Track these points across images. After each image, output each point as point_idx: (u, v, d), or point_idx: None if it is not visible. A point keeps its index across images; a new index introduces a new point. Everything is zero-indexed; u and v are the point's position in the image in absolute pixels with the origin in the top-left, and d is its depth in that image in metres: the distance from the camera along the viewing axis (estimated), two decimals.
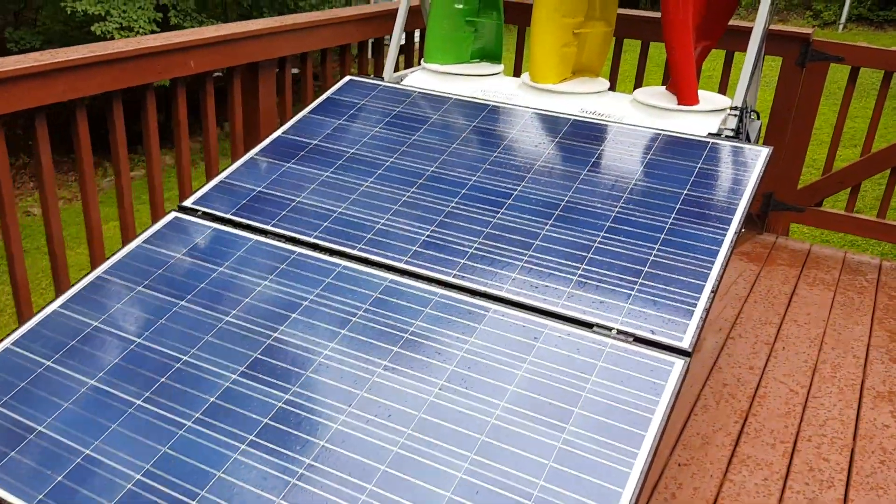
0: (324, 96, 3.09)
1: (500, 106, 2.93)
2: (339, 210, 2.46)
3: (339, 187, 2.57)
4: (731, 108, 2.73)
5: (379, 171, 2.62)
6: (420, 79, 3.29)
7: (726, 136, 2.65)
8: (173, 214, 2.50)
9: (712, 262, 2.11)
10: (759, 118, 2.99)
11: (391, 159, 2.67)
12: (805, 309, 3.06)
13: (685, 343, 1.90)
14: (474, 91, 3.18)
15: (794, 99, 3.50)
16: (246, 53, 2.78)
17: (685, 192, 2.40)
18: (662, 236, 2.24)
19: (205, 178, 3.25)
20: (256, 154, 2.75)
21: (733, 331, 2.88)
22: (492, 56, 3.44)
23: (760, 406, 2.46)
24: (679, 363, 1.85)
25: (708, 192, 2.38)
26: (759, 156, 2.52)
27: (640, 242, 2.22)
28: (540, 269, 2.16)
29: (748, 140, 2.77)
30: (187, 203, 2.54)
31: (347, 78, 3.20)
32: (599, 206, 2.37)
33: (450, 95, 3.02)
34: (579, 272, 2.14)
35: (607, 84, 3.17)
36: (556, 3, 3.03)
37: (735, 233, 2.22)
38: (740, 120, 2.70)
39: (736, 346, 2.77)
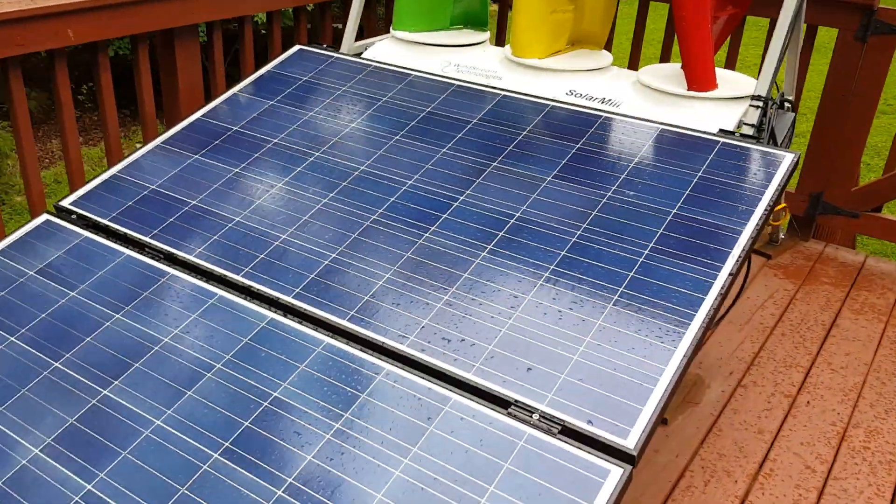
0: (263, 70, 2.60)
1: (467, 86, 2.38)
2: (238, 219, 1.99)
3: (247, 188, 2.09)
4: (754, 98, 2.11)
5: (300, 168, 2.12)
6: (385, 50, 2.76)
7: (742, 135, 2.04)
8: (45, 217, 2.08)
9: (686, 324, 1.55)
10: (794, 109, 2.35)
11: (319, 152, 2.17)
12: (845, 347, 2.44)
13: (629, 442, 1.36)
14: (446, 66, 2.63)
15: (851, 80, 2.82)
16: (151, 19, 2.31)
17: (674, 211, 1.82)
18: (630, 275, 1.68)
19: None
20: (163, 142, 2.30)
21: (748, 375, 2.30)
22: (476, 21, 2.87)
23: (763, 490, 1.90)
24: (615, 473, 1.32)
25: (704, 214, 1.80)
26: (780, 164, 1.91)
27: (597, 283, 1.67)
28: (460, 314, 1.65)
29: (773, 140, 2.16)
30: (64, 203, 2.11)
31: (296, 48, 2.69)
32: (556, 227, 1.83)
33: (410, 71, 2.48)
34: (509, 322, 1.61)
35: (610, 58, 2.57)
36: None
37: (730, 275, 1.65)
38: (764, 113, 2.08)
39: (747, 397, 2.20)
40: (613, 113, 2.17)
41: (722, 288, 1.61)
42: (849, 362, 2.36)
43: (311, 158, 2.15)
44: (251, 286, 1.78)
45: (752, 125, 2.08)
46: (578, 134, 2.11)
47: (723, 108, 2.21)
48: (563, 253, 1.76)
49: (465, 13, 2.85)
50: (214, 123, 2.35)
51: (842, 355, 2.39)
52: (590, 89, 2.41)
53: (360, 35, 3.23)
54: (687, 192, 1.87)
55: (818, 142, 2.95)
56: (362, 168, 2.10)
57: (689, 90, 2.25)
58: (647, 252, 1.73)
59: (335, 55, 2.62)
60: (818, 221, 3.10)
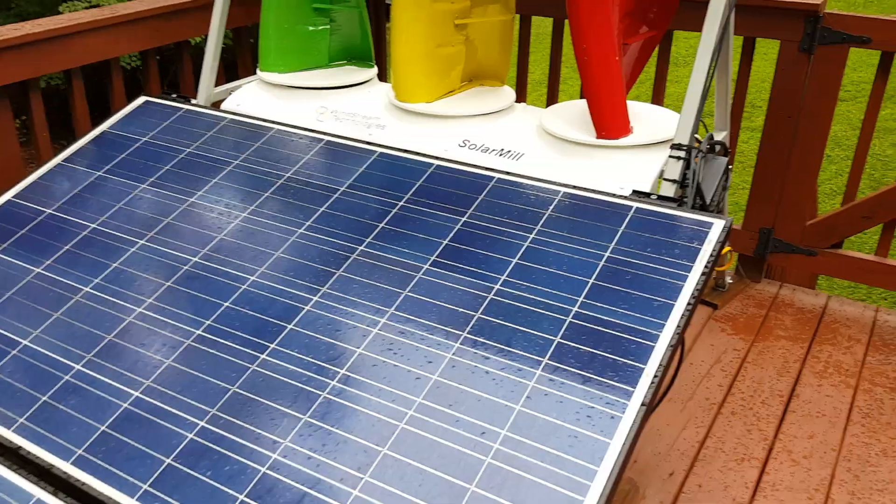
0: (99, 129, 2.15)
1: (338, 142, 1.96)
2: (23, 344, 1.55)
3: (46, 297, 1.65)
4: (673, 147, 1.72)
5: (115, 265, 1.69)
6: (250, 96, 2.33)
7: (660, 197, 1.64)
8: None
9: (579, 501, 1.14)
10: (727, 152, 1.97)
11: (144, 239, 1.74)
12: (807, 427, 2.06)
13: None
14: (322, 113, 2.21)
15: (798, 97, 2.45)
16: None
17: (575, 308, 1.42)
18: (517, 410, 1.27)
19: None
20: None
21: (691, 475, 1.91)
22: (360, 55, 2.45)
23: None
24: None
25: (611, 311, 1.40)
26: (707, 235, 1.52)
27: (473, 428, 1.26)
28: (289, 483, 1.22)
29: (700, 196, 1.76)
30: None
31: (141, 99, 2.25)
32: (429, 340, 1.41)
33: (272, 125, 2.06)
34: (355, 493, 1.19)
35: (512, 97, 2.17)
36: None
37: (642, 405, 1.25)
38: (686, 165, 1.69)
39: None
40: (507, 173, 1.76)
41: (631, 432, 1.21)
42: (813, 449, 1.98)
43: (133, 249, 1.72)
44: (21, 447, 1.34)
45: (675, 180, 1.69)
46: (465, 203, 1.70)
47: (639, 158, 1.82)
48: (434, 378, 1.35)
49: (346, 48, 2.43)
50: (24, 206, 1.90)
51: (804, 439, 2.02)
52: (487, 138, 2.00)
53: (235, 74, 2.81)
54: (592, 281, 1.47)
55: (765, 169, 2.59)
56: (195, 260, 1.67)
57: (598, 138, 1.85)
58: (537, 373, 1.32)
59: (186, 107, 2.18)
60: (770, 262, 2.73)
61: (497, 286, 1.49)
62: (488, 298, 1.47)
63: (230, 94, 2.36)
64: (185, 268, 1.65)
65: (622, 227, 1.57)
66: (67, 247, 1.76)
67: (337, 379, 1.37)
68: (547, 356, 1.35)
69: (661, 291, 1.42)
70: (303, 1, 2.32)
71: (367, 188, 1.79)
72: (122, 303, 1.59)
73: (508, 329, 1.41)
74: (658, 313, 1.38)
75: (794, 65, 2.44)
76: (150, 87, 2.45)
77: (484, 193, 1.72)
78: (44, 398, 1.43)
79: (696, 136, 1.80)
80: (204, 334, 1.50)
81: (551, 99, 2.93)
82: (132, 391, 1.41)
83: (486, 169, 1.79)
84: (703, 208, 1.76)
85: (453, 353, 1.38)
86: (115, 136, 2.10)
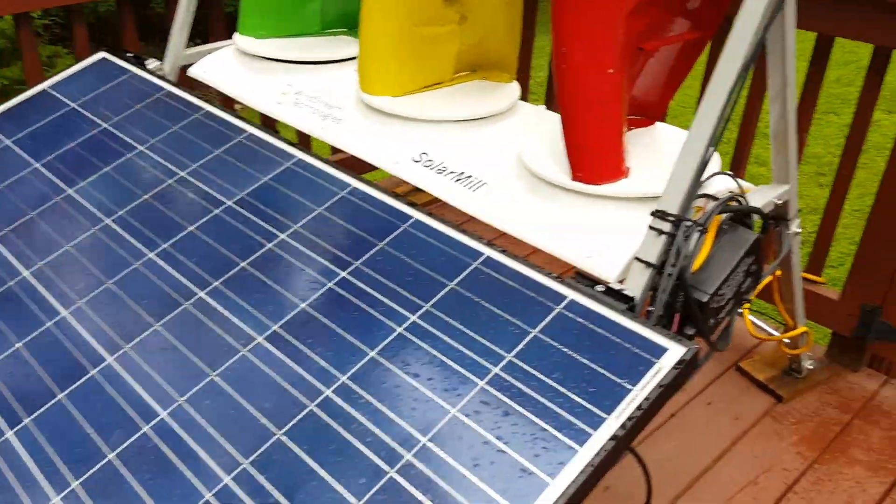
0: (39, 86, 1.88)
1: (258, 138, 1.55)
2: None
3: None
4: (655, 215, 1.14)
5: None
6: (218, 63, 1.96)
7: (609, 291, 1.09)
8: None
9: None
10: (767, 223, 1.33)
11: None
12: None
13: None
14: (286, 93, 1.80)
15: None
16: None
17: (381, 482, 0.95)
18: None
19: None
20: None
21: None
22: (357, 24, 1.99)
23: None
24: None
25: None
26: (644, 371, 0.97)
27: None
28: None
29: (687, 302, 1.17)
30: None
31: (99, 55, 1.95)
32: (215, 450, 1.00)
33: (201, 106, 1.68)
34: None
35: (515, 97, 1.65)
36: None
37: None
38: (669, 247, 1.11)
39: None
40: (429, 215, 1.28)
41: None
42: None
43: None
44: None
45: (649, 263, 1.12)
46: (358, 249, 1.25)
47: (625, 218, 1.26)
48: None
49: (344, 14, 1.99)
50: None
51: None
52: (450, 154, 1.51)
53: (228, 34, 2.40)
54: (452, 414, 0.98)
55: (879, 227, 1.88)
56: (24, 275, 1.34)
57: (573, 179, 1.31)
58: None
59: (134, 71, 1.86)
60: (873, 350, 2.03)
61: (329, 391, 1.05)
62: (306, 410, 1.03)
63: (196, 60, 2.00)
64: (10, 284, 1.34)
65: (536, 329, 1.05)
66: None
67: (74, 487, 1.00)
68: None
69: (539, 459, 0.91)
70: None
71: (257, 207, 1.37)
72: None
73: (305, 470, 0.96)
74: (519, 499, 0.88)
75: None
76: (125, 39, 2.15)
77: (387, 240, 1.25)
78: None
79: (705, 196, 1.22)
80: None
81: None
82: None
83: (409, 204, 1.32)
84: (696, 315, 1.17)
85: (217, 492, 0.96)
86: (49, 98, 1.82)
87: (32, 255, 1.38)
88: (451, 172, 1.47)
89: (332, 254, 1.25)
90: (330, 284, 1.20)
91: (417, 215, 1.28)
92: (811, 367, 2.05)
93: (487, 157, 1.49)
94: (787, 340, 1.93)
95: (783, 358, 2.06)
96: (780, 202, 1.44)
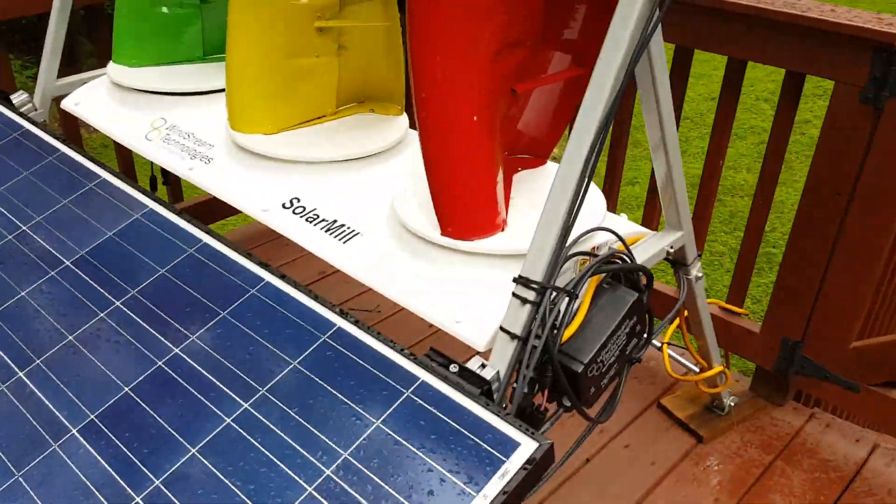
0: None
1: (112, 185, 1.41)
2: None
3: None
4: (518, 281, 1.02)
5: None
6: (92, 94, 1.80)
7: (462, 372, 0.97)
8: None
9: None
10: (650, 280, 1.22)
11: None
12: None
13: None
14: (157, 127, 1.65)
15: (852, 170, 1.64)
16: None
17: None
18: None
19: None
20: None
21: None
22: None
23: None
24: None
25: None
26: (492, 472, 0.85)
27: None
28: None
29: (556, 381, 1.05)
30: None
31: None
32: None
33: (57, 148, 1.53)
34: None
35: (403, 127, 1.53)
36: None
37: None
38: (534, 316, 0.99)
39: None
40: (282, 277, 1.15)
41: None
42: None
43: None
44: None
45: (513, 335, 1.01)
46: (192, 323, 1.11)
47: (494, 278, 1.14)
48: None
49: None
50: None
51: None
52: (324, 200, 1.37)
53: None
54: None
55: (797, 258, 1.79)
56: None
57: (441, 234, 1.18)
58: None
59: None
60: (793, 381, 1.94)
61: (138, 498, 0.91)
62: None
63: (70, 91, 1.84)
64: None
65: (379, 420, 0.93)
66: None
67: None
68: None
69: None
70: None
71: (94, 269, 1.23)
72: None
73: None
74: None
75: (852, 120, 1.61)
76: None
77: (231, 308, 1.11)
78: None
79: (580, 253, 1.10)
80: None
81: None
82: None
83: (261, 265, 1.18)
84: (566, 389, 1.04)
85: None
86: None
87: None
88: (323, 221, 1.34)
89: (169, 325, 1.11)
90: (160, 363, 1.06)
91: (269, 278, 1.15)
92: (733, 402, 1.95)
93: (365, 203, 1.37)
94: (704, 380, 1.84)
95: (705, 394, 1.97)
96: (674, 248, 1.33)
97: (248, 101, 1.48)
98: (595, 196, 1.31)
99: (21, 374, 1.09)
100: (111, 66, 1.80)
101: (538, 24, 1.20)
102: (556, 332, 1.03)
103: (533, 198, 1.32)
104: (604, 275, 1.14)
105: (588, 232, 1.12)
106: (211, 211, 2.31)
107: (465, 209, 1.15)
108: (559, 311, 1.04)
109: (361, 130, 1.53)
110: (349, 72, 1.56)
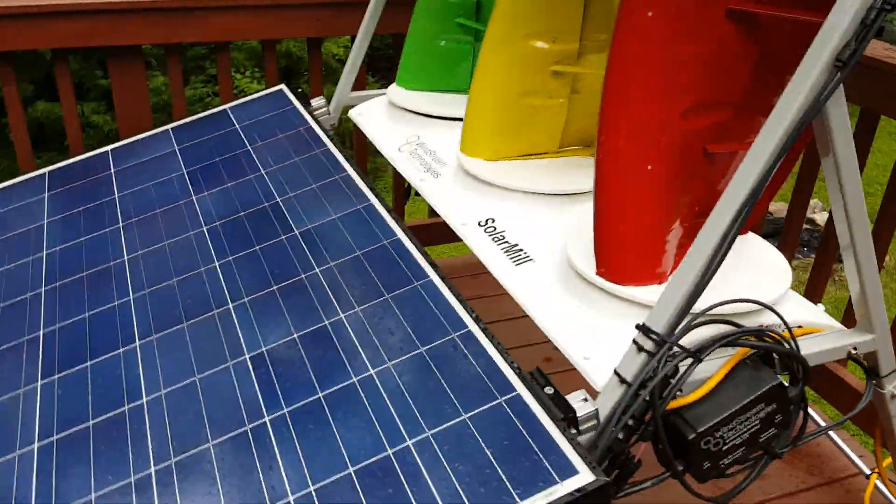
0: (223, 106, 2.18)
1: (351, 182, 1.66)
2: None
3: None
4: (640, 329, 1.01)
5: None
6: (372, 108, 2.11)
7: (556, 397, 1.00)
8: None
9: None
10: (805, 371, 1.08)
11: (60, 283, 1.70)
12: None
13: None
14: (410, 142, 1.90)
15: None
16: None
17: None
18: None
19: None
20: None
21: None
22: None
23: None
24: None
25: None
26: (552, 493, 0.88)
27: None
28: None
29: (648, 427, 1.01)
30: None
31: (279, 87, 2.21)
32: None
33: (323, 144, 1.83)
34: None
35: None
36: (515, 10, 1.57)
37: None
38: (652, 365, 0.98)
39: None
40: (443, 281, 1.28)
41: None
42: None
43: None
44: None
45: (623, 379, 1.00)
46: (362, 297, 1.28)
47: (631, 328, 1.15)
48: None
49: None
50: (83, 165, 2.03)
51: None
52: (514, 225, 1.49)
53: None
54: None
55: None
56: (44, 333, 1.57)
57: (596, 273, 1.22)
58: None
59: (295, 105, 2.08)
60: None
61: (267, 418, 1.09)
62: (243, 429, 1.09)
63: (357, 103, 2.18)
64: (111, 263, 1.57)
65: (467, 415, 1.01)
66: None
67: None
68: None
69: None
70: (448, 12, 2.00)
71: (311, 240, 1.47)
72: None
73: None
74: None
75: None
76: (312, 78, 2.40)
77: (393, 293, 1.27)
78: None
79: (725, 321, 1.07)
80: None
81: None
82: None
83: (432, 265, 1.33)
84: (664, 446, 1.01)
85: None
86: (223, 117, 2.10)
87: (138, 244, 1.61)
88: (506, 243, 1.45)
89: (344, 294, 1.30)
90: (326, 322, 1.25)
91: (433, 276, 1.29)
92: None
93: (549, 235, 1.45)
94: None
95: None
96: (859, 351, 1.21)
97: (479, 129, 1.65)
98: (777, 271, 1.25)
99: (231, 305, 1.36)
100: (392, 87, 2.11)
101: (742, 88, 1.19)
102: (668, 388, 1.02)
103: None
104: (751, 351, 1.09)
105: (728, 302, 1.08)
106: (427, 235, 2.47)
107: (620, 253, 1.19)
108: (676, 368, 1.03)
109: (573, 170, 1.62)
110: (578, 115, 1.66)
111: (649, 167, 1.15)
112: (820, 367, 1.53)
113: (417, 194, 2.44)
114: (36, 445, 1.16)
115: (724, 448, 1.08)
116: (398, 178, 2.65)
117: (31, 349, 1.37)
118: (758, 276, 1.25)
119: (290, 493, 0.98)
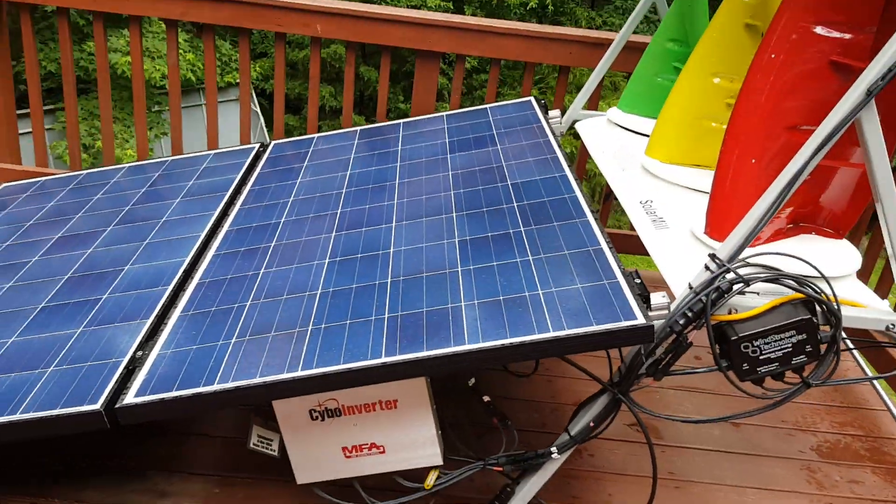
0: (486, 105, 2.90)
1: (565, 178, 2.26)
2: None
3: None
4: (711, 256, 1.47)
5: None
6: (594, 124, 2.70)
7: (643, 290, 1.50)
8: None
9: None
10: (835, 313, 1.42)
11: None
12: None
13: None
14: (615, 148, 2.47)
15: None
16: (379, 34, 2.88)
17: None
18: None
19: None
20: (262, 167, 2.88)
21: None
22: None
23: None
24: None
25: None
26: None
27: None
28: None
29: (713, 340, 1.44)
30: None
31: (529, 98, 2.89)
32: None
33: (555, 151, 2.46)
34: None
35: None
36: (707, 55, 2.09)
37: None
38: (709, 283, 1.43)
39: None
40: (596, 223, 1.84)
41: None
42: None
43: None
44: None
45: (692, 287, 1.48)
46: (538, 219, 1.88)
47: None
48: None
49: None
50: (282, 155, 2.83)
51: None
52: (664, 204, 2.00)
53: None
54: None
55: None
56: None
57: (704, 231, 1.70)
58: None
59: (536, 112, 2.74)
60: None
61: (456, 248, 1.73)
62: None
63: (581, 118, 2.78)
64: (386, 183, 2.32)
65: (579, 285, 1.56)
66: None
67: None
68: None
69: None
70: (668, 57, 2.54)
71: (517, 190, 2.10)
72: None
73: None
74: None
75: None
76: (556, 95, 3.05)
77: (560, 222, 1.86)
78: None
79: (776, 271, 1.50)
80: None
81: None
82: None
83: (592, 212, 1.89)
84: (710, 337, 1.46)
85: None
86: (483, 114, 2.82)
87: (406, 175, 2.35)
88: (653, 213, 1.97)
89: (528, 221, 1.91)
90: (510, 231, 1.87)
91: (589, 217, 1.86)
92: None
93: (690, 212, 1.94)
94: None
95: None
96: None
97: (661, 137, 2.18)
98: (849, 259, 1.64)
99: (454, 214, 2.02)
100: (612, 109, 2.69)
101: None
102: (721, 300, 1.49)
103: (801, 250, 1.71)
104: (797, 297, 1.52)
105: (779, 254, 1.51)
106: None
107: (723, 218, 1.66)
108: (730, 286, 1.49)
109: None
110: None
111: (753, 160, 1.63)
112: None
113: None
114: (327, 260, 1.91)
115: (761, 357, 1.52)
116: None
117: (331, 218, 2.15)
118: (831, 258, 1.65)
119: (463, 305, 1.60)
